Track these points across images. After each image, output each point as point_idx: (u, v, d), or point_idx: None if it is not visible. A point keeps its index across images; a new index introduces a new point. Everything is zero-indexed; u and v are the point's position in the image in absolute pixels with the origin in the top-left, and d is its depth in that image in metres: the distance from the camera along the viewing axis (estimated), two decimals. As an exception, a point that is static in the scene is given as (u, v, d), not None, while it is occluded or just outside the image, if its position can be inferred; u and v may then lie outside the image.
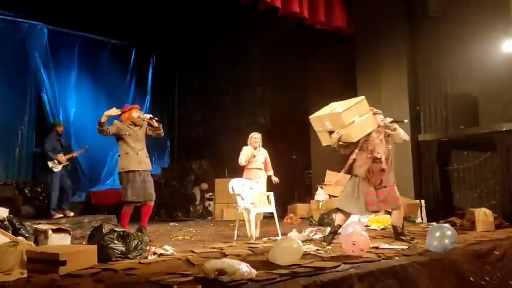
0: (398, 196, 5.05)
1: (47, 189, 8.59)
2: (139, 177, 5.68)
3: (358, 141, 4.93)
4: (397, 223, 5.11)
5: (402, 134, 5.07)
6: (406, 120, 5.22)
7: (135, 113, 5.88)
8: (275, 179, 6.60)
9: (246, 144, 6.48)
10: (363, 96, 5.01)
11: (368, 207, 4.93)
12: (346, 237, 4.15)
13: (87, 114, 10.21)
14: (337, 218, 5.08)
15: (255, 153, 6.41)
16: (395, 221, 5.12)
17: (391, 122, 5.04)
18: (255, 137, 6.54)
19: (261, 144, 6.59)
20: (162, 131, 6.02)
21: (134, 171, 5.66)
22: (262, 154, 6.55)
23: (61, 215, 7.80)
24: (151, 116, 5.95)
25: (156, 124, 5.89)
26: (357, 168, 4.97)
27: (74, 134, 10.31)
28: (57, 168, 7.89)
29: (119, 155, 5.78)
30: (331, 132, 4.92)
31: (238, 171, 6.73)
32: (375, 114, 5.06)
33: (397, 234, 5.08)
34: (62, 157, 7.95)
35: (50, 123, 9.51)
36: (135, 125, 5.83)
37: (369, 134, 4.95)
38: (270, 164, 6.64)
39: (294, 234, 5.50)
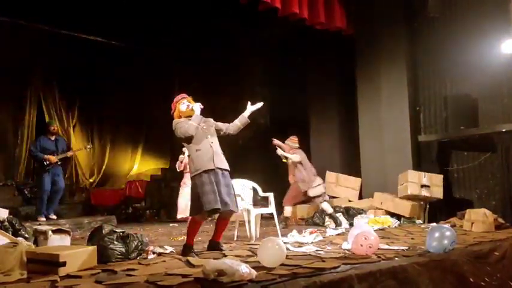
0: None
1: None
2: (222, 178, 4.32)
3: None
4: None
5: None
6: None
7: (183, 105, 4.53)
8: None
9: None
10: None
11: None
12: (359, 234, 4.11)
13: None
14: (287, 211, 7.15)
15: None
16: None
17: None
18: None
19: None
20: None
21: (210, 170, 4.27)
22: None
23: (43, 219, 7.25)
24: (200, 105, 4.56)
25: None
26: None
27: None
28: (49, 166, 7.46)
29: (189, 159, 4.46)
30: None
31: (238, 171, 6.71)
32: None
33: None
34: (51, 157, 7.46)
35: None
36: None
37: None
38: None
39: (299, 238, 5.28)
